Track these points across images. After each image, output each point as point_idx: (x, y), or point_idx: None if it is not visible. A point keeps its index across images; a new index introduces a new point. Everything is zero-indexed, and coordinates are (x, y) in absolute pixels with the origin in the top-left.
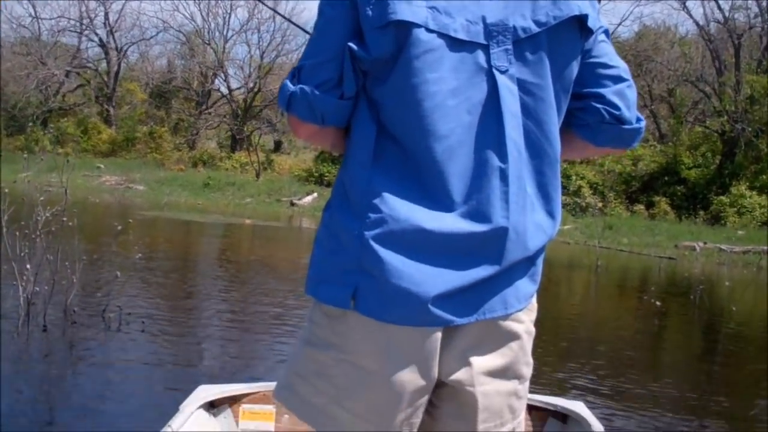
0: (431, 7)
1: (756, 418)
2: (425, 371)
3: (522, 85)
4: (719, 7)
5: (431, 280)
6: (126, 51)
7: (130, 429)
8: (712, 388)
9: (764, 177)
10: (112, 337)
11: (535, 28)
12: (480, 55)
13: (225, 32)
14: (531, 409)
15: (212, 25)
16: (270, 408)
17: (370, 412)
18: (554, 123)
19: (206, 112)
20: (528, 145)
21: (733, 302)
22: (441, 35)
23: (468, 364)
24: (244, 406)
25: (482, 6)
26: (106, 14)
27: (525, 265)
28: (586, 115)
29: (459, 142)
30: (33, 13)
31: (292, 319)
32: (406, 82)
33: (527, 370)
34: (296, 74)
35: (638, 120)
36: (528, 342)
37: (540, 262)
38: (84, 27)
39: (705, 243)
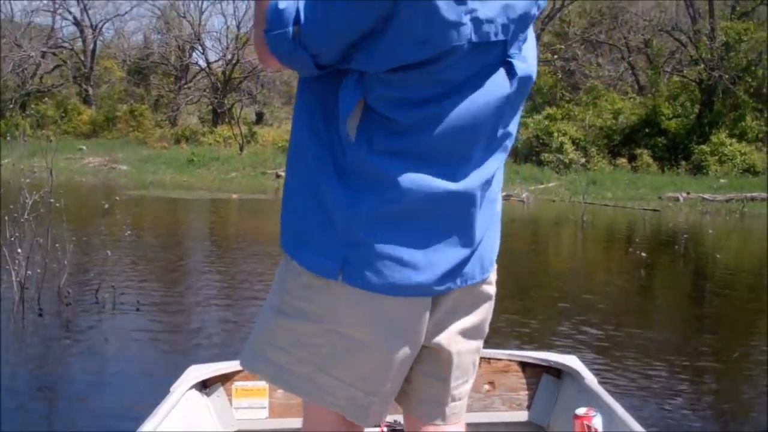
0: (474, 19)
1: (743, 355)
2: (414, 339)
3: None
4: None
5: (424, 254)
6: (101, 28)
7: (126, 409)
8: (701, 330)
9: (743, 124)
10: (107, 318)
11: (535, 14)
12: (500, 48)
13: (200, 4)
14: (525, 365)
15: None
16: (263, 384)
17: (359, 379)
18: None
19: (186, 86)
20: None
21: (717, 250)
22: (478, 42)
23: (447, 326)
24: (237, 384)
25: (513, 3)
26: None
27: (493, 228)
28: None
29: (458, 119)
30: None
31: None
32: (425, 76)
33: (487, 328)
34: (302, 39)
35: None
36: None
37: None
38: (57, 6)
39: (688, 193)
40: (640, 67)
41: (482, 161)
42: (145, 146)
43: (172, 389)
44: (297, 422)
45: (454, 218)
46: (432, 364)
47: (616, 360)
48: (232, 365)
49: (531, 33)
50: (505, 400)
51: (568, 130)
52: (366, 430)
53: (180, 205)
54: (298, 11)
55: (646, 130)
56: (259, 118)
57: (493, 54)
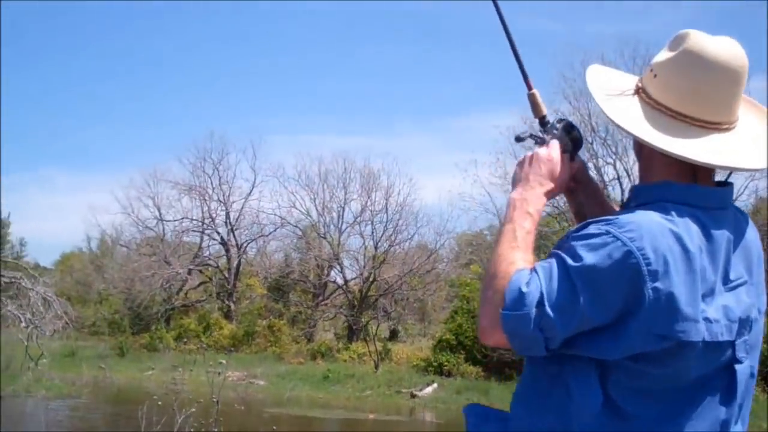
0: (707, 319)
1: None
2: None
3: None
4: None
5: None
6: (246, 247)
7: None
8: None
9: None
10: None
11: (759, 317)
12: (727, 349)
13: (339, 225)
14: None
15: (327, 219)
16: None
17: None
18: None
19: (323, 303)
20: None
21: None
22: (710, 342)
23: None
24: None
25: (740, 303)
26: (227, 214)
27: None
28: None
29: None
30: (158, 216)
31: None
32: (657, 370)
33: None
34: (541, 322)
35: None
36: None
37: None
38: (206, 226)
39: None
40: None
41: None
42: (281, 361)
43: None
44: None
45: None
46: None
47: None
48: None
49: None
50: None
51: None
52: None
53: (321, 426)
54: (541, 294)
55: None
56: (393, 334)
57: (723, 355)
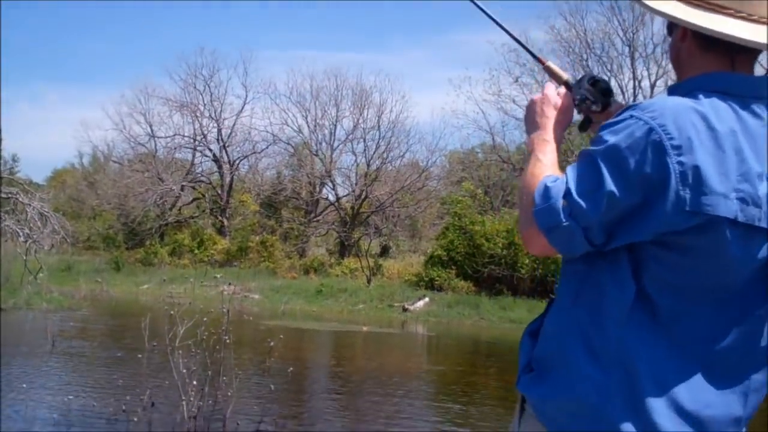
0: (741, 199)
1: None
2: None
3: None
4: None
5: None
6: (238, 164)
7: None
8: None
9: None
10: None
11: None
12: (764, 237)
13: (331, 142)
14: None
15: (319, 136)
16: None
17: None
18: None
19: (315, 220)
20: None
21: None
22: (745, 225)
23: None
24: None
25: None
26: (219, 130)
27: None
28: None
29: (727, 321)
30: (150, 132)
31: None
32: (692, 260)
33: None
34: (572, 211)
35: None
36: None
37: None
38: (198, 143)
39: None
40: None
41: (744, 374)
42: (275, 276)
43: None
44: None
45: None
46: None
47: None
48: None
49: None
50: None
51: None
52: None
53: (318, 337)
54: (567, 186)
55: None
56: (385, 251)
57: (761, 250)
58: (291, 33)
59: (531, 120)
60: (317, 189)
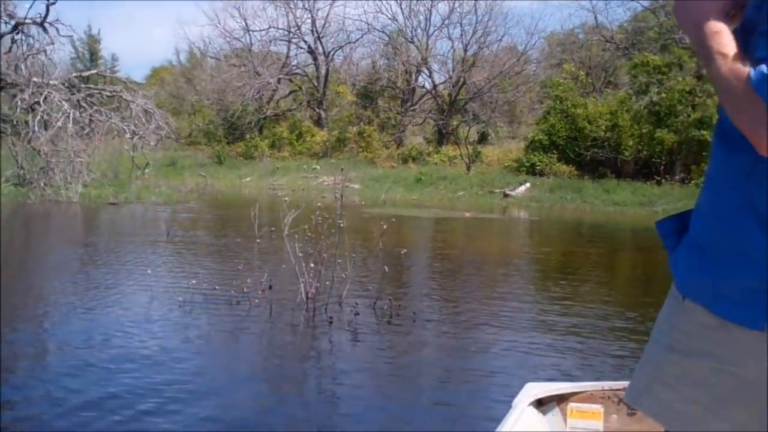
0: None
1: None
2: None
3: None
4: None
5: None
6: (332, 55)
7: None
8: None
9: None
10: (386, 327)
11: None
12: None
13: (427, 29)
14: None
15: (414, 23)
16: (598, 407)
17: (750, 423)
18: None
19: (411, 108)
20: None
21: None
22: None
23: None
24: (572, 405)
25: None
26: (313, 21)
27: None
28: None
29: None
30: (245, 26)
31: (571, 312)
32: None
33: None
34: None
35: None
36: None
37: None
38: (292, 35)
39: None
40: None
41: None
42: (373, 166)
43: (513, 404)
44: None
45: None
46: None
47: None
48: (568, 386)
49: None
50: None
51: None
52: None
53: (422, 223)
54: None
55: None
56: (483, 137)
57: None
58: None
59: (686, 13)
60: (413, 77)
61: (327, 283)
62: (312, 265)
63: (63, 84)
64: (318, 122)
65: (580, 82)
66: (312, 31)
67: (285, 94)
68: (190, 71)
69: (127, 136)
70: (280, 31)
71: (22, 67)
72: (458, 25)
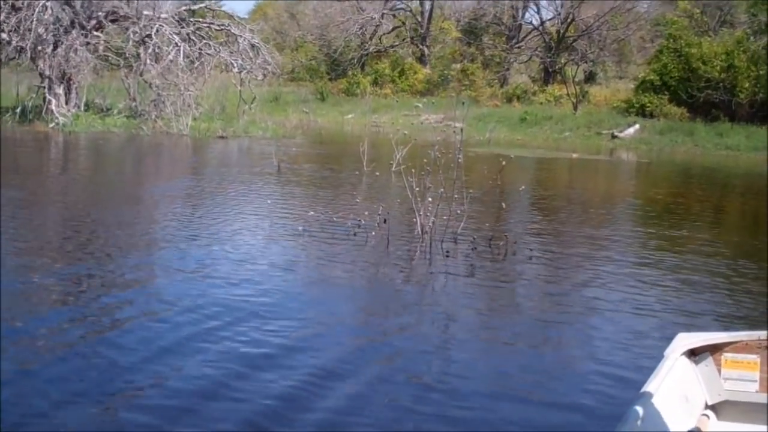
0: None
1: None
2: None
3: None
4: None
5: None
6: None
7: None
8: None
9: None
10: (502, 263)
11: None
12: None
13: None
14: None
15: None
16: (754, 357)
17: None
18: None
19: (517, 46)
20: None
21: None
22: None
23: None
24: (726, 355)
25: None
26: None
27: None
28: None
29: None
30: None
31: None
32: None
33: None
34: None
35: None
36: None
37: None
38: None
39: None
40: None
41: None
42: (476, 104)
43: (665, 354)
44: None
45: None
46: None
47: None
48: (721, 336)
49: None
50: None
51: None
52: None
53: (529, 163)
54: None
55: None
56: (590, 77)
57: None
58: None
59: None
60: (520, 13)
61: (445, 217)
62: (429, 199)
63: (173, 17)
64: (421, 59)
65: (695, 20)
66: None
67: (388, 30)
68: (294, 6)
69: (235, 70)
70: None
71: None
72: None
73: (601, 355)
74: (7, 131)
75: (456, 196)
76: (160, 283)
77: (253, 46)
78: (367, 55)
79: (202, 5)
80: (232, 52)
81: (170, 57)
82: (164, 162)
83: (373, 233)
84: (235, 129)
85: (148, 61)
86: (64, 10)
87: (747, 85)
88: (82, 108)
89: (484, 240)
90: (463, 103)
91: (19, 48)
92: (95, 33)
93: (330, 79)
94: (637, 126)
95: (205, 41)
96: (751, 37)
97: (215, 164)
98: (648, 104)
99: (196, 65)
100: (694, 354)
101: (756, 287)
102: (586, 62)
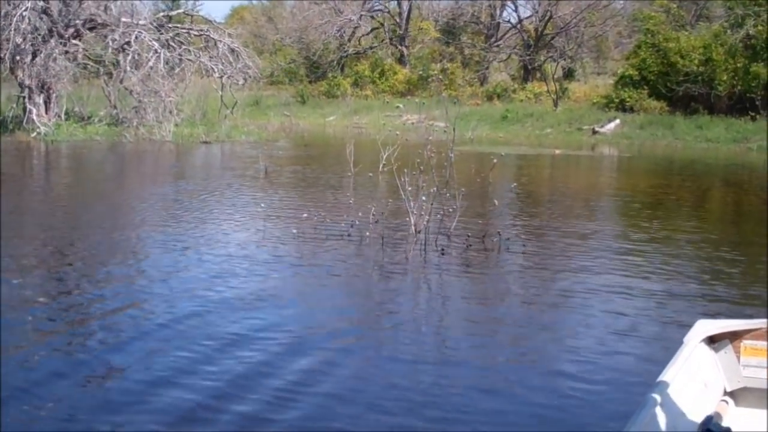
0: None
1: None
2: None
3: None
4: None
5: None
6: None
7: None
8: None
9: None
10: (497, 258)
11: None
12: None
13: None
14: None
15: None
16: None
17: None
18: None
19: (496, 44)
20: None
21: None
22: None
23: None
24: (746, 342)
25: None
26: None
27: None
28: None
29: None
30: None
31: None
32: None
33: None
34: None
35: None
36: None
37: None
38: None
39: None
40: None
41: None
42: (457, 103)
43: (684, 341)
44: None
45: None
46: None
47: None
48: (740, 323)
49: None
50: None
51: None
52: None
53: (512, 160)
54: None
55: None
56: (569, 73)
57: None
58: None
59: None
60: (498, 12)
61: (438, 215)
62: (424, 198)
63: (151, 23)
64: (400, 60)
65: (672, 15)
66: None
67: (367, 32)
68: (271, 9)
69: (216, 75)
70: None
71: (112, 7)
72: None
73: (611, 343)
74: None
75: (448, 194)
76: (153, 283)
77: (232, 50)
78: (346, 57)
79: (180, 11)
80: (211, 57)
81: (150, 63)
82: (151, 168)
83: (368, 233)
84: (218, 134)
85: (128, 69)
86: (41, 18)
87: (725, 77)
88: (63, 117)
89: (477, 236)
90: (455, 103)
91: None
92: (73, 41)
93: (310, 82)
94: (617, 121)
95: (184, 47)
96: (728, 31)
97: (202, 169)
98: (628, 99)
99: (176, 71)
100: (713, 341)
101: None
102: (564, 59)
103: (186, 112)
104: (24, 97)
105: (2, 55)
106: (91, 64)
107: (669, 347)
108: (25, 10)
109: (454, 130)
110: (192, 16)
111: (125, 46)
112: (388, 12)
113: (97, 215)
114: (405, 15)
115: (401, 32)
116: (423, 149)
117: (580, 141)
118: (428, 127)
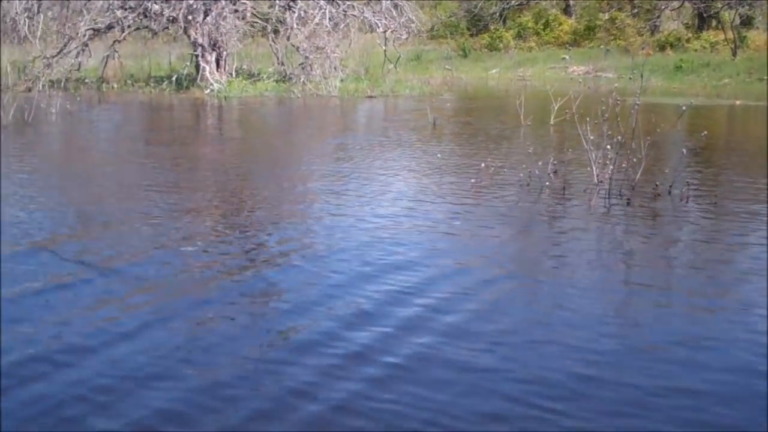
0: None
1: None
2: None
3: None
4: None
5: None
6: None
7: None
8: None
9: None
10: (683, 214)
11: None
12: None
13: None
14: None
15: None
16: None
17: None
18: None
19: None
20: None
21: None
22: None
23: None
24: None
25: None
26: None
27: None
28: None
29: None
30: None
31: None
32: None
33: None
34: None
35: None
36: None
37: None
38: None
39: None
40: None
41: None
42: (627, 54)
43: None
44: None
45: None
46: None
47: None
48: None
49: None
50: None
51: None
52: None
53: (690, 111)
54: None
55: None
56: (747, 21)
57: None
58: None
59: None
60: None
61: (623, 165)
62: (608, 147)
63: None
64: (565, 10)
65: None
66: None
67: None
68: None
69: (380, 30)
70: None
71: None
72: None
73: None
74: (167, 99)
75: (634, 144)
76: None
77: (396, 5)
78: (509, 8)
79: None
80: (375, 12)
81: (316, 20)
82: (324, 121)
83: (547, 183)
84: (382, 89)
85: (295, 26)
86: None
87: None
88: (233, 74)
89: (664, 186)
90: (643, 49)
91: (171, 18)
92: (242, 0)
93: (471, 35)
94: None
95: (348, 2)
96: None
97: (371, 122)
98: None
99: (341, 27)
100: None
101: None
102: (742, 6)
103: (350, 68)
104: (197, 56)
105: (176, 15)
106: (259, 21)
107: None
108: None
109: (641, 75)
110: None
111: (291, 4)
112: None
113: (294, 161)
114: None
115: None
116: (607, 97)
117: (763, 91)
118: (585, 80)
